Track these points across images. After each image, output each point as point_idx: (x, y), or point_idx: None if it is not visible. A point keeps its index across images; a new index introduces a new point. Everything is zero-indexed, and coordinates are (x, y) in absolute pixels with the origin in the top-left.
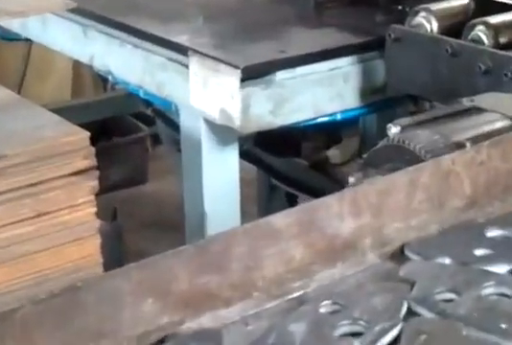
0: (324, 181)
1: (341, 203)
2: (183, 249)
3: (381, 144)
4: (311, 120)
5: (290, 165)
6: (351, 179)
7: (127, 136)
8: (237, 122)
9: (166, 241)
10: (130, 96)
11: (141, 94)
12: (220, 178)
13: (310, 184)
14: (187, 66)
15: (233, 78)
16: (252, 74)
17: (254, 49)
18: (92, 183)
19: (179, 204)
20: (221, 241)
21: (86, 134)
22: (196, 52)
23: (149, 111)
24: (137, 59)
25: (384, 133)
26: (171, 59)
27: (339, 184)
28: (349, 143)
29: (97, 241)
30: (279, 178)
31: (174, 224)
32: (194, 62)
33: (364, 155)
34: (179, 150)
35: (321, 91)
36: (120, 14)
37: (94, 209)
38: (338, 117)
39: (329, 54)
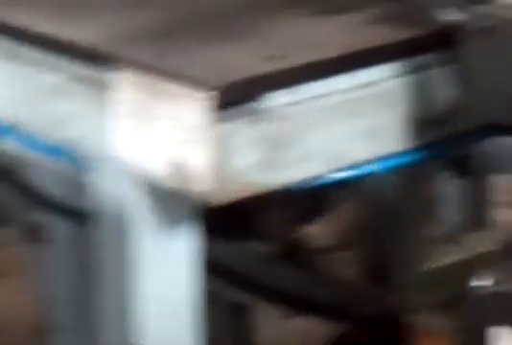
0: (301, 279)
1: None
2: None
3: None
4: (327, 175)
5: (244, 254)
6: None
7: None
8: (204, 185)
9: None
10: None
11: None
12: (166, 285)
13: (276, 285)
14: (106, 88)
15: (199, 105)
16: (232, 98)
17: (227, 55)
18: None
19: None
20: None
21: None
22: (126, 64)
23: None
24: (10, 79)
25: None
26: (75, 79)
27: (328, 285)
28: (340, 213)
29: None
30: (223, 277)
31: None
32: (122, 83)
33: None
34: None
35: (344, 125)
36: None
37: None
38: (375, 169)
39: (353, 60)
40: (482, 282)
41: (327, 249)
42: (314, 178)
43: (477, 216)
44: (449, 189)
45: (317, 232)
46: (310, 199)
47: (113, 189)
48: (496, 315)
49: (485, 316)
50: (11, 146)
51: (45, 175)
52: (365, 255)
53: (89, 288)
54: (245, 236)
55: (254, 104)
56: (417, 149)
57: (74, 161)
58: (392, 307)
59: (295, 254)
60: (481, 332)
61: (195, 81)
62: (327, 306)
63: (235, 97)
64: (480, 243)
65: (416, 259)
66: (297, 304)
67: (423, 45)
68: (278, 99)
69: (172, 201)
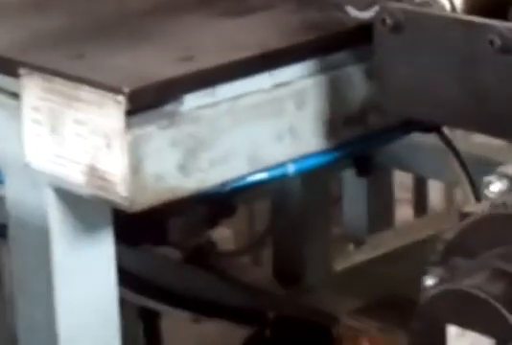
0: (210, 283)
1: None
2: None
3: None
4: (245, 177)
5: (149, 259)
6: (428, 281)
7: None
8: (120, 191)
9: None
10: None
11: None
12: (85, 293)
13: (184, 291)
14: (16, 95)
15: (110, 110)
16: (144, 102)
17: (137, 59)
18: None
19: None
20: None
21: None
22: (33, 68)
23: None
24: None
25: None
26: None
27: (236, 288)
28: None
29: None
30: (129, 283)
31: None
32: (30, 87)
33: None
34: None
35: (261, 126)
36: None
37: None
38: (291, 170)
39: (267, 60)
40: (428, 282)
41: (235, 252)
42: (232, 181)
43: (381, 214)
44: (353, 187)
45: (224, 235)
46: (216, 202)
47: (29, 198)
48: (450, 314)
49: (441, 316)
50: None
51: None
52: (274, 257)
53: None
54: (152, 241)
55: (167, 108)
56: (332, 149)
57: None
58: (305, 308)
59: (203, 258)
60: (440, 331)
61: (104, 86)
62: (237, 309)
63: (147, 101)
64: (386, 242)
65: (325, 259)
66: (207, 308)
67: (337, 43)
68: (192, 101)
69: (88, 209)
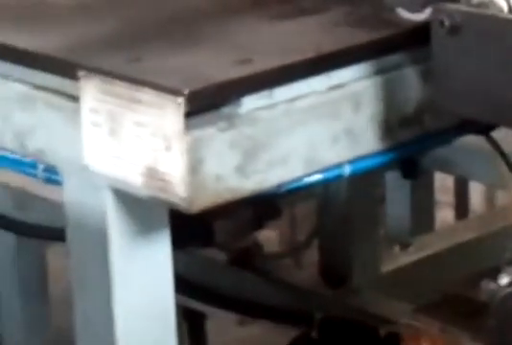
0: (255, 285)
1: None
2: None
3: None
4: (301, 179)
5: (194, 261)
6: (503, 280)
7: None
8: (180, 192)
9: None
10: None
11: None
12: (142, 294)
13: (230, 293)
14: (74, 98)
15: (170, 112)
16: (203, 104)
17: (195, 61)
18: None
19: None
20: None
21: None
22: (92, 71)
23: None
24: None
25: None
26: (40, 87)
27: (282, 289)
28: (295, 217)
29: None
30: (175, 284)
31: None
32: (89, 90)
33: None
34: None
35: (317, 127)
36: None
37: None
38: (346, 172)
39: (325, 62)
40: (503, 280)
41: (280, 254)
42: (288, 182)
43: (423, 216)
44: (396, 189)
45: (269, 237)
46: (262, 204)
47: (88, 200)
48: None
49: None
50: None
51: None
52: (320, 258)
53: (37, 301)
54: (199, 243)
55: (226, 110)
56: (387, 151)
57: (40, 173)
58: (352, 309)
59: (249, 260)
60: None
61: (163, 88)
62: (283, 310)
63: (206, 103)
64: (431, 244)
65: (372, 260)
66: (253, 309)
67: (392, 45)
68: (250, 103)
69: (146, 210)
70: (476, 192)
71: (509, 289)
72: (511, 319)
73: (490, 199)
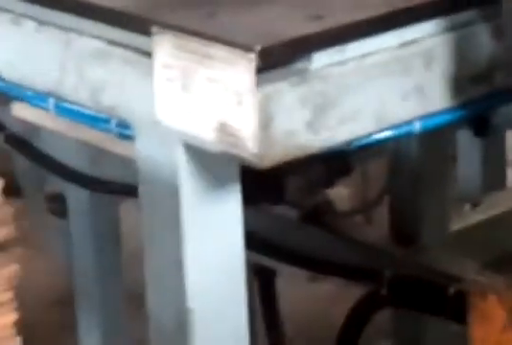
0: (325, 242)
1: None
2: None
3: None
4: (372, 136)
5: (265, 218)
6: None
7: None
8: (251, 147)
9: None
10: None
11: (50, 106)
12: (213, 249)
13: (301, 249)
14: (147, 54)
15: (242, 68)
16: (274, 60)
17: (266, 17)
18: None
19: None
20: None
21: None
22: (165, 27)
23: None
24: (47, 45)
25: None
26: (116, 45)
27: (352, 246)
28: (366, 175)
29: None
30: (246, 240)
31: None
32: (162, 45)
33: None
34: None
35: (388, 84)
36: None
37: None
38: (417, 129)
39: (396, 18)
40: None
41: (351, 211)
42: (358, 139)
43: (494, 175)
44: (468, 148)
45: (340, 194)
46: (333, 161)
47: (160, 155)
48: None
49: None
50: (26, 114)
51: (62, 145)
52: (390, 216)
53: (110, 256)
54: (270, 200)
55: (297, 66)
56: (458, 108)
57: (113, 128)
58: (422, 267)
59: (320, 217)
60: None
61: (236, 44)
62: (353, 268)
63: (278, 59)
64: (502, 203)
65: (442, 219)
66: (323, 266)
67: (464, 1)
68: (321, 59)
69: (217, 165)
70: None
71: None
72: None
73: None
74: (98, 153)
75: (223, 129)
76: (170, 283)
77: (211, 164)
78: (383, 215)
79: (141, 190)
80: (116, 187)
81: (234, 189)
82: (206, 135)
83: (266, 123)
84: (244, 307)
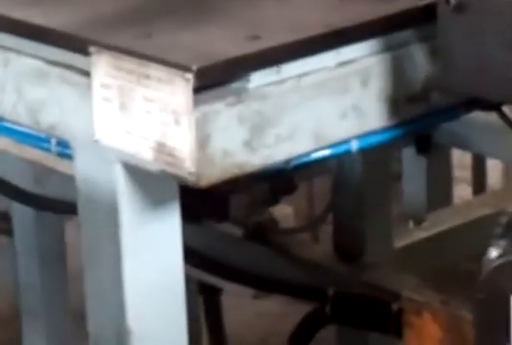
0: (270, 260)
1: None
2: None
3: None
4: (309, 154)
5: (209, 235)
6: (492, 253)
7: None
8: (188, 167)
9: None
10: None
11: None
12: (152, 268)
13: (245, 267)
14: (86, 73)
15: (179, 88)
16: (211, 80)
17: (204, 37)
18: None
19: None
20: None
21: None
22: (103, 47)
23: None
24: None
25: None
26: (52, 63)
27: (297, 264)
28: (311, 193)
29: None
30: (190, 258)
31: None
32: (100, 65)
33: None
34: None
35: (325, 103)
36: None
37: None
38: (354, 148)
39: (333, 38)
40: (492, 253)
41: (295, 229)
42: (296, 157)
43: (440, 192)
44: (412, 165)
45: (284, 212)
46: (277, 179)
47: (98, 174)
48: None
49: (505, 286)
50: None
51: (5, 163)
52: (334, 233)
53: (55, 274)
54: (214, 218)
55: (234, 85)
56: (395, 127)
57: (53, 147)
58: (366, 284)
59: (264, 235)
60: (503, 301)
61: (173, 64)
62: (297, 285)
63: (215, 79)
64: (446, 220)
65: (385, 236)
66: (268, 284)
67: (400, 22)
68: (258, 79)
69: (156, 184)
70: (493, 168)
71: (497, 262)
72: (498, 292)
73: (507, 175)
74: (42, 172)
75: (161, 149)
76: (109, 301)
77: (149, 183)
78: (328, 232)
79: (80, 208)
80: (61, 205)
81: (173, 207)
82: (144, 154)
83: (203, 142)
84: (184, 326)
